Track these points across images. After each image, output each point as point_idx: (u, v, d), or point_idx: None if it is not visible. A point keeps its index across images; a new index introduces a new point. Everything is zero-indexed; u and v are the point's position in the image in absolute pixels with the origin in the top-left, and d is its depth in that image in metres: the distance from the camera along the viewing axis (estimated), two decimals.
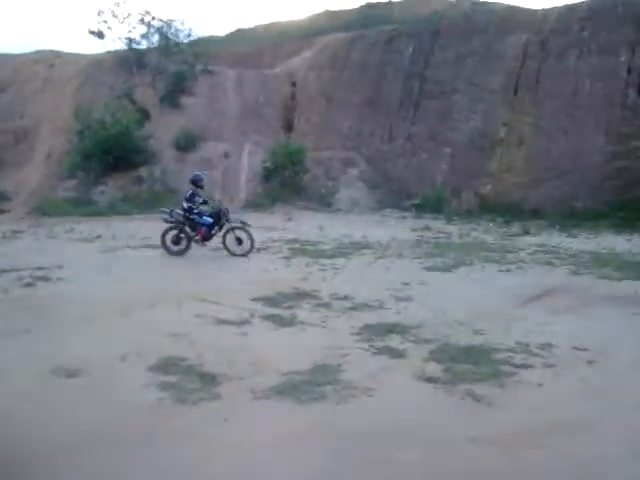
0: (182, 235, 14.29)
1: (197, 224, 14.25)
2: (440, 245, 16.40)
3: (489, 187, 24.89)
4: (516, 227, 20.73)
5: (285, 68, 33.99)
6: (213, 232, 14.36)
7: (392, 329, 7.92)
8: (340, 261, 13.55)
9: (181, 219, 14.27)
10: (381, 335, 7.64)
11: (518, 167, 24.58)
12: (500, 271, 12.62)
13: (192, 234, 14.28)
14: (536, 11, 27.67)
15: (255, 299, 9.62)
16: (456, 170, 25.90)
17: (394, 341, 7.42)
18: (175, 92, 31.10)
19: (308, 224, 21.24)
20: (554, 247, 16.11)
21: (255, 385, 5.92)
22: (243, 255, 13.96)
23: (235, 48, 38.03)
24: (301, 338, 7.66)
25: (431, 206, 24.77)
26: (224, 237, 14.29)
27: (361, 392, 5.79)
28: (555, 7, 27.36)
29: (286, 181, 27.18)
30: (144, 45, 33.63)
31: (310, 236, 17.94)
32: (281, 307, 9.17)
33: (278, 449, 4.74)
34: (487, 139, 25.73)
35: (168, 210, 14.64)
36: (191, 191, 14.37)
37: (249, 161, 28.94)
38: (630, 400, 5.76)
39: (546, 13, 26.99)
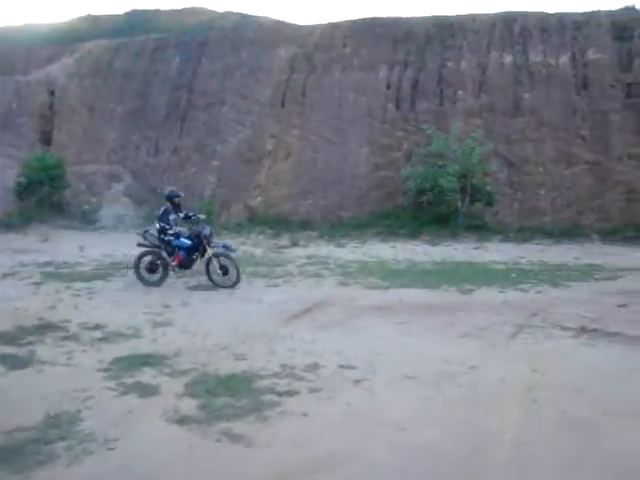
0: (159, 262, 12.18)
1: (174, 247, 12.12)
2: None
3: (258, 199, 24.77)
4: (285, 239, 20.68)
5: (42, 75, 31.43)
6: (194, 257, 12.27)
7: (145, 361, 7.05)
8: (98, 284, 12.37)
9: (156, 242, 12.18)
10: (132, 369, 6.75)
11: (286, 179, 24.74)
12: (268, 286, 12.29)
13: (169, 260, 12.17)
14: (302, 26, 28.54)
15: None
16: (225, 183, 25.48)
17: (146, 375, 6.57)
18: None
19: (67, 244, 19.42)
20: (323, 258, 16.17)
21: None
22: (231, 287, 11.90)
23: None
24: (36, 381, 6.48)
25: None
26: (207, 266, 12.17)
27: (101, 445, 4.89)
28: (319, 24, 28.51)
29: (44, 198, 24.87)
30: None
31: (67, 257, 16.40)
32: (18, 344, 7.85)
33: None
34: (255, 151, 25.64)
35: (141, 232, 12.55)
36: (164, 207, 12.31)
37: (1, 177, 26.25)
38: (395, 420, 5.44)
39: (311, 29, 27.79)
